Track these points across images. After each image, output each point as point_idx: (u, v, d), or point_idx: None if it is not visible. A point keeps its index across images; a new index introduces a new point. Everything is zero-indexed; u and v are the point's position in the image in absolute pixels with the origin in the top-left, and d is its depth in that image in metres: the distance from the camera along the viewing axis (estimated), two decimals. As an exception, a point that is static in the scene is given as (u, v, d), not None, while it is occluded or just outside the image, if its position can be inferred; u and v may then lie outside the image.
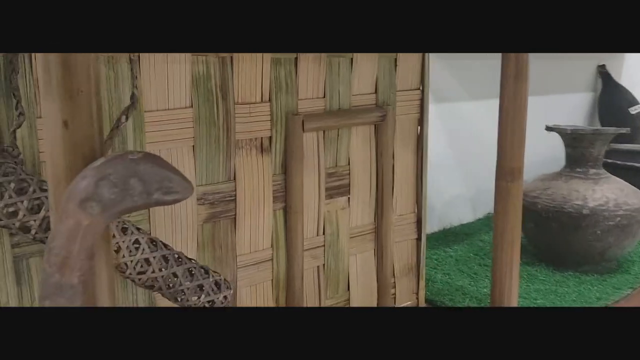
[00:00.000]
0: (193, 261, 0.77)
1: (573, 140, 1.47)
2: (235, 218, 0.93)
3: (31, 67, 0.70)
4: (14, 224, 0.65)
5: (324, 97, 1.00)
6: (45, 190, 0.66)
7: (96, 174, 0.48)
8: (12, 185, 0.64)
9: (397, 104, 1.11)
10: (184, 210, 0.86)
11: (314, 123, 0.98)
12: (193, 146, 0.86)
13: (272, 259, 0.98)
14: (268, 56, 0.91)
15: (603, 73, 2.29)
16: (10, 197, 0.64)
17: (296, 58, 0.95)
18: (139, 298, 0.84)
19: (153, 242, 0.73)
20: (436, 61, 1.66)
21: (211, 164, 0.88)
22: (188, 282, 0.75)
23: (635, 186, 1.48)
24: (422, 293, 1.22)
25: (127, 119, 0.71)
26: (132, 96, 0.71)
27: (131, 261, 0.70)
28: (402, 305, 1.20)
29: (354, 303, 1.12)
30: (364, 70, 1.05)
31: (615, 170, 1.71)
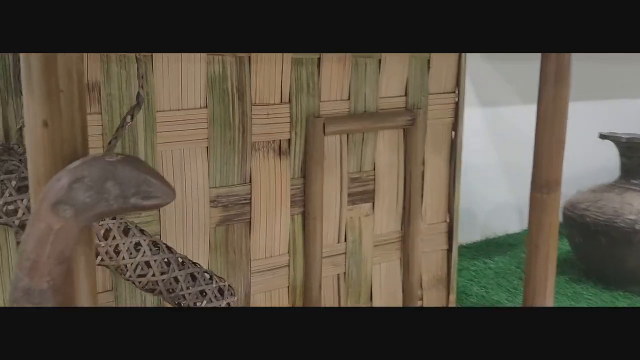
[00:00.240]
0: (197, 266, 0.75)
1: (629, 149, 1.37)
2: (250, 222, 0.90)
3: (40, 64, 0.70)
4: (14, 222, 0.65)
5: (349, 99, 0.96)
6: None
7: (71, 176, 0.46)
8: (14, 183, 0.64)
9: (429, 107, 1.06)
10: (195, 212, 0.85)
11: (336, 126, 0.94)
12: (207, 147, 0.84)
13: (288, 265, 0.96)
14: (288, 56, 0.89)
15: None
16: (11, 194, 0.64)
17: (319, 58, 0.92)
18: (147, 299, 0.83)
19: (156, 245, 0.72)
20: (483, 63, 1.59)
21: (226, 166, 0.86)
22: (190, 287, 0.73)
23: (695, 202, 1.37)
24: (452, 306, 1.16)
25: (132, 118, 0.70)
26: (138, 96, 0.70)
27: (131, 263, 0.69)
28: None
29: (376, 314, 1.07)
30: (393, 72, 1.00)
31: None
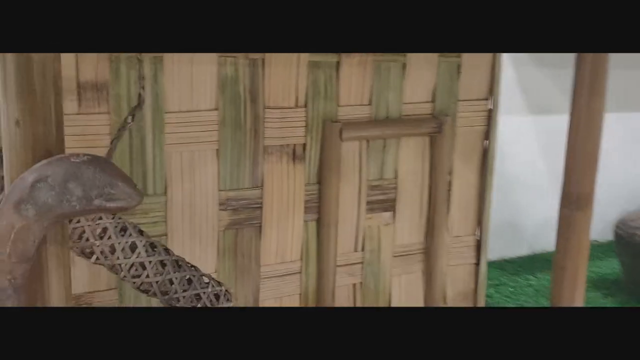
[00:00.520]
0: (195, 269, 0.74)
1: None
2: (261, 226, 0.89)
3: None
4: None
5: (370, 104, 0.93)
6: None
7: (34, 175, 0.46)
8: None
9: (458, 114, 1.01)
10: (204, 215, 0.84)
11: (354, 132, 0.91)
12: (217, 150, 0.84)
13: (300, 272, 0.94)
14: (305, 60, 0.87)
15: None
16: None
17: (338, 62, 0.89)
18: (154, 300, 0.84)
19: (153, 246, 0.71)
20: (534, 70, 1.51)
21: (236, 169, 0.86)
22: (185, 290, 0.72)
23: None
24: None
25: (133, 119, 0.70)
26: (139, 97, 0.70)
27: (126, 263, 0.69)
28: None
29: (394, 327, 1.03)
30: (419, 77, 0.96)
31: None
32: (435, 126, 0.98)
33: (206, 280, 0.74)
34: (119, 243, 0.69)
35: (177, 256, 0.74)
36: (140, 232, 0.72)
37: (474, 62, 1.00)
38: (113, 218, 0.69)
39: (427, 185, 1.01)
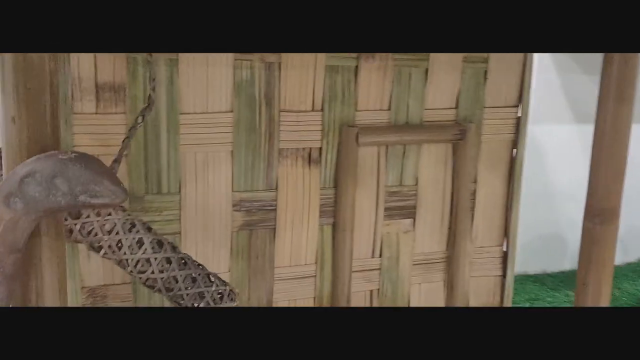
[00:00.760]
0: (201, 268, 0.76)
1: None
2: (275, 228, 0.90)
3: (69, 65, 0.75)
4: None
5: (389, 109, 0.92)
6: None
7: (24, 170, 0.49)
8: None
9: (484, 122, 0.98)
10: (217, 215, 0.86)
11: (371, 137, 0.91)
12: (231, 151, 0.85)
13: (315, 276, 0.94)
14: (322, 63, 0.87)
15: None
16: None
17: (356, 66, 0.89)
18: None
19: (160, 243, 0.73)
20: (579, 77, 1.45)
21: (251, 171, 0.87)
22: (189, 288, 0.74)
23: None
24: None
25: (143, 119, 0.73)
26: (149, 98, 0.72)
27: (132, 259, 0.72)
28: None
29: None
30: (441, 82, 0.94)
31: None
32: (457, 133, 0.95)
33: (210, 279, 0.75)
34: (126, 239, 0.71)
35: (183, 254, 0.75)
36: (149, 229, 0.74)
37: (502, 68, 0.97)
38: (119, 214, 0.72)
39: (450, 193, 0.99)
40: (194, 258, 0.83)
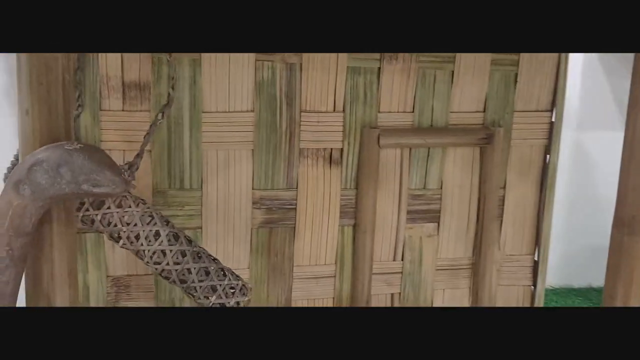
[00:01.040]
0: (215, 262, 0.78)
1: None
2: (294, 227, 0.91)
3: (98, 64, 0.79)
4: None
5: (412, 111, 0.92)
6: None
7: (32, 159, 0.52)
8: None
9: (514, 126, 0.96)
10: (237, 212, 0.88)
11: (393, 138, 0.90)
12: (252, 150, 0.87)
13: (334, 276, 0.94)
14: (344, 64, 0.88)
15: None
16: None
17: (379, 68, 0.89)
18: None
19: (176, 236, 0.76)
20: (628, 81, 1.39)
21: (271, 170, 0.88)
22: (202, 281, 0.76)
23: None
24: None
25: (163, 116, 0.76)
26: (168, 96, 0.75)
27: (148, 250, 0.75)
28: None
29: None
30: (468, 85, 0.93)
31: None
32: (483, 137, 0.94)
33: (223, 273, 0.77)
34: (144, 230, 0.74)
35: (199, 248, 0.78)
36: (166, 222, 0.77)
37: (533, 71, 0.95)
38: (138, 206, 0.75)
39: (476, 199, 0.97)
40: (214, 253, 0.86)
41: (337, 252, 0.93)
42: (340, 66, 0.87)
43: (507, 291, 1.02)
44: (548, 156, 0.99)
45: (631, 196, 0.78)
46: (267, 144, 0.87)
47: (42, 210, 0.55)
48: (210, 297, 0.76)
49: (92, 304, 0.86)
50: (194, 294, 0.77)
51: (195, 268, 0.76)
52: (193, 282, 0.76)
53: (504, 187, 0.98)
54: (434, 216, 0.96)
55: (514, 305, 1.02)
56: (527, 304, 1.03)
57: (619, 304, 0.80)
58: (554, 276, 1.57)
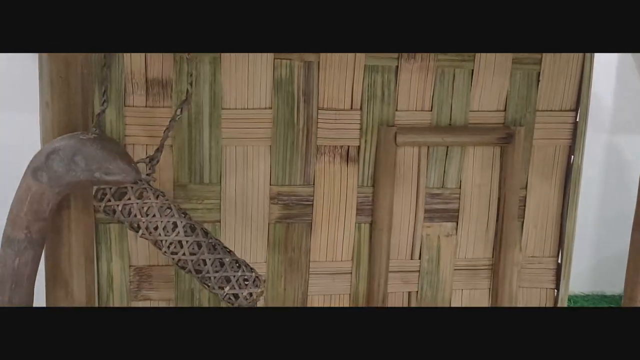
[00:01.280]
0: (230, 253, 0.80)
1: None
2: (311, 223, 0.92)
3: (123, 62, 0.83)
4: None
5: (431, 110, 0.92)
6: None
7: (50, 148, 0.55)
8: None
9: (537, 126, 0.95)
10: (255, 206, 0.90)
11: (410, 137, 0.91)
12: (270, 146, 0.89)
13: (351, 272, 0.95)
14: (361, 63, 0.89)
15: None
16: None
17: (397, 67, 0.90)
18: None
19: (192, 227, 0.79)
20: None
21: (288, 166, 0.90)
22: (216, 272, 0.78)
23: None
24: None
25: (182, 112, 0.79)
26: (187, 92, 0.78)
27: (166, 240, 0.77)
28: None
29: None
30: (488, 84, 0.93)
31: None
32: (503, 137, 0.93)
33: (238, 264, 0.79)
34: (162, 222, 0.77)
35: (214, 240, 0.80)
36: (184, 214, 0.80)
37: (557, 70, 0.94)
38: (157, 198, 0.78)
39: (496, 199, 0.97)
40: (232, 247, 0.88)
41: (354, 249, 0.94)
42: (358, 64, 0.89)
43: (528, 293, 1.00)
44: (572, 157, 0.97)
45: (651, 197, 0.77)
46: (285, 141, 0.89)
47: (59, 196, 0.58)
48: (224, 288, 0.79)
49: (116, 293, 0.89)
50: (209, 284, 0.79)
51: (210, 259, 0.78)
52: (208, 272, 0.78)
53: (526, 188, 0.97)
54: (453, 215, 0.96)
55: (534, 306, 1.01)
56: (549, 307, 1.01)
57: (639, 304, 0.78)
58: (585, 283, 1.53)
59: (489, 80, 0.93)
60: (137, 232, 0.78)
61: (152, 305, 0.91)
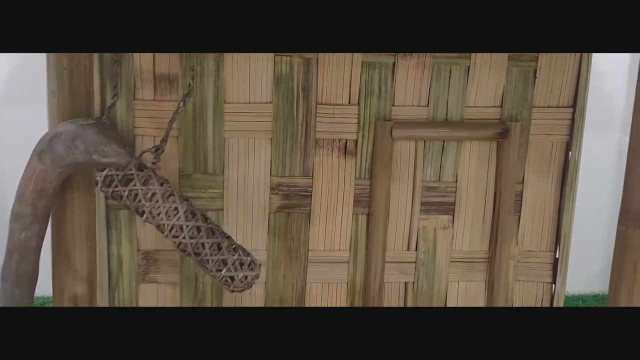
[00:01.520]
0: (228, 238, 0.85)
1: None
2: (310, 213, 0.96)
3: (133, 59, 0.89)
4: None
5: (427, 105, 0.95)
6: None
7: (53, 132, 0.61)
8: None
9: (533, 122, 0.97)
10: (256, 196, 0.95)
11: (405, 131, 0.94)
12: (270, 139, 0.93)
13: (348, 262, 0.99)
14: (359, 60, 0.92)
15: None
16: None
17: (394, 63, 0.93)
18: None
19: (193, 213, 0.84)
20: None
21: (288, 158, 0.94)
22: (213, 255, 0.83)
23: None
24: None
25: (184, 104, 0.84)
26: (189, 86, 0.83)
27: (167, 224, 0.83)
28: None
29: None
30: (485, 80, 0.95)
31: None
32: (498, 132, 0.95)
33: (234, 248, 0.84)
34: (164, 207, 0.83)
35: (214, 225, 0.85)
36: (185, 200, 0.85)
37: (554, 67, 0.96)
38: (162, 185, 0.83)
39: (492, 193, 0.99)
40: (234, 235, 0.93)
41: (351, 239, 0.98)
42: (356, 61, 0.92)
43: (525, 287, 1.02)
44: (570, 153, 0.98)
45: (636, 191, 0.78)
46: (285, 134, 0.93)
47: (61, 176, 0.64)
48: (221, 270, 0.83)
49: (125, 275, 0.95)
50: (207, 266, 0.84)
51: (208, 243, 0.83)
52: (206, 255, 0.83)
53: (522, 183, 0.99)
54: (449, 208, 0.99)
55: (531, 300, 1.03)
56: (546, 301, 1.03)
57: (622, 299, 0.80)
58: (597, 283, 1.53)
59: (485, 77, 0.95)
60: (142, 216, 0.84)
61: (158, 288, 0.96)
